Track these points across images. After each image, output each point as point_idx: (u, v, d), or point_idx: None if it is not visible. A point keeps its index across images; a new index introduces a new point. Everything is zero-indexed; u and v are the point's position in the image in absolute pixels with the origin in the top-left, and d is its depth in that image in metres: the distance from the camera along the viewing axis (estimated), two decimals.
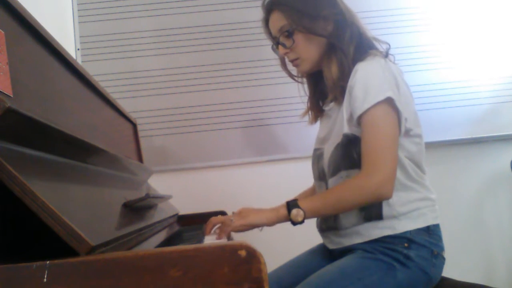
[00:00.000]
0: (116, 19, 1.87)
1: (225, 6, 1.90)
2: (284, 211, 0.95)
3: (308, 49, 1.05)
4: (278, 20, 1.06)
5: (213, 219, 1.08)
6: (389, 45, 1.05)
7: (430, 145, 1.87)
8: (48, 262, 0.46)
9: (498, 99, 1.91)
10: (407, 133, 0.98)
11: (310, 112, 1.20)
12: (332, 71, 1.03)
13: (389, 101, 0.92)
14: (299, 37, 1.04)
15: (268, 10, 1.09)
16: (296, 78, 1.20)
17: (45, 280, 0.46)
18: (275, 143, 1.87)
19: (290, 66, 1.15)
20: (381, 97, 0.91)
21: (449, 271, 1.02)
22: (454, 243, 1.87)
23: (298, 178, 1.76)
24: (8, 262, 0.46)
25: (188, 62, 1.87)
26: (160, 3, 1.89)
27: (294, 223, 0.94)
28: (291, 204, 0.95)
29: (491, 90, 1.91)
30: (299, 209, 0.93)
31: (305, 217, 0.94)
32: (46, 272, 0.46)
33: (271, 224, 0.97)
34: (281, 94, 1.87)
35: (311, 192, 1.29)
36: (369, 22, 1.90)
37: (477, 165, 1.93)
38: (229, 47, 1.89)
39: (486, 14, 1.95)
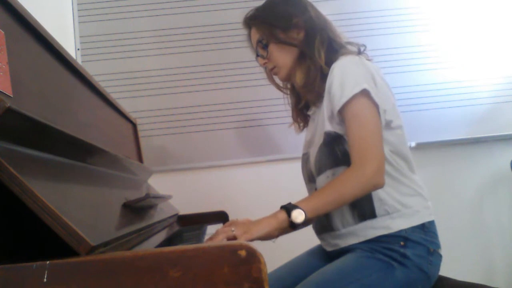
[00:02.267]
0: (116, 19, 1.87)
1: (225, 6, 1.90)
2: (283, 215, 0.89)
3: (282, 57, 1.10)
4: (254, 34, 1.15)
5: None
6: (365, 46, 1.10)
7: (431, 145, 1.87)
8: (48, 262, 0.46)
9: (498, 99, 1.91)
10: (388, 125, 0.99)
11: (295, 123, 1.25)
12: (297, 77, 1.08)
13: (365, 93, 0.94)
14: (273, 47, 1.11)
15: (247, 27, 1.18)
16: (283, 90, 1.26)
17: (45, 280, 0.46)
18: (275, 143, 1.87)
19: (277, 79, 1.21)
20: (357, 89, 0.93)
21: (449, 271, 1.02)
22: (454, 243, 1.87)
23: (298, 178, 1.76)
24: (8, 262, 0.46)
25: (188, 62, 1.87)
26: (160, 3, 1.89)
27: (295, 225, 0.89)
28: (289, 207, 0.90)
29: (491, 90, 1.91)
30: (300, 210, 0.88)
31: (306, 218, 0.88)
32: (46, 272, 0.46)
33: (273, 231, 0.89)
34: (281, 94, 1.86)
35: None
36: (369, 22, 1.91)
37: (477, 165, 1.93)
38: (229, 47, 1.89)
39: (486, 14, 1.95)
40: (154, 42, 1.87)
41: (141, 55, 1.86)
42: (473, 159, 1.93)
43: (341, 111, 0.96)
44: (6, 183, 0.49)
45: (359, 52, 1.07)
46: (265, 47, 1.11)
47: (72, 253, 0.49)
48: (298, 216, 0.88)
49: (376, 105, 0.95)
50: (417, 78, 1.89)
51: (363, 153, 0.92)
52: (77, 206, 0.60)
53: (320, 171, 1.03)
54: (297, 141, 1.85)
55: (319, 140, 1.04)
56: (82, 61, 1.83)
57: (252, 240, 0.87)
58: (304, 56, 1.07)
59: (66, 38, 1.79)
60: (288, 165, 1.87)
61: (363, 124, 0.93)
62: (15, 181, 0.49)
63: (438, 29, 1.93)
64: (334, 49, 1.06)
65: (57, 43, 0.83)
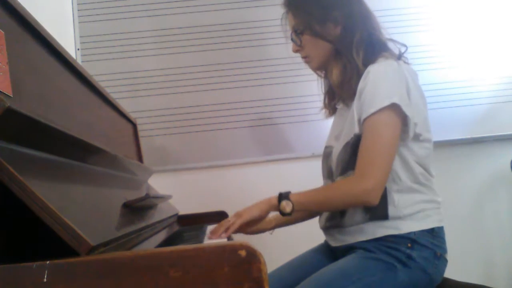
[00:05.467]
0: (116, 19, 1.87)
1: (225, 6, 1.90)
2: (275, 201, 1.00)
3: (315, 50, 1.09)
4: (291, 19, 1.11)
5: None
6: (406, 47, 1.06)
7: None
8: (48, 262, 0.46)
9: (498, 99, 1.91)
10: (417, 138, 0.98)
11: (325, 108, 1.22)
12: (333, 75, 1.06)
13: (394, 107, 0.92)
14: (307, 38, 1.08)
15: (285, 8, 1.13)
16: (317, 72, 1.21)
17: (45, 280, 0.46)
18: (275, 143, 1.87)
19: None
20: (387, 102, 0.92)
21: (449, 271, 1.02)
22: (454, 243, 1.85)
23: (299, 178, 1.76)
24: (8, 262, 0.46)
25: (188, 62, 1.87)
26: (160, 3, 1.89)
27: (283, 214, 0.99)
28: (283, 195, 0.99)
29: (491, 90, 1.91)
30: (288, 201, 0.98)
31: (293, 210, 0.98)
32: (46, 272, 0.46)
33: (264, 214, 1.02)
34: (281, 94, 1.87)
35: None
36: None
37: (477, 165, 1.93)
38: (229, 47, 1.89)
39: (487, 14, 1.95)
40: (154, 42, 1.87)
41: (141, 55, 1.86)
42: (473, 159, 1.92)
43: (364, 120, 0.95)
44: (6, 183, 0.49)
45: (399, 56, 1.03)
46: (300, 35, 1.09)
47: (72, 253, 0.49)
48: (285, 207, 0.98)
49: (404, 118, 0.94)
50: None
51: (365, 169, 0.93)
52: (77, 206, 0.60)
53: (342, 171, 1.03)
54: (299, 141, 1.87)
55: (345, 138, 1.03)
56: (82, 61, 1.83)
57: (243, 222, 1.00)
58: (339, 54, 1.04)
59: (66, 38, 1.79)
60: (289, 165, 1.87)
61: (379, 140, 0.93)
62: (15, 181, 0.49)
63: (439, 29, 1.93)
64: (374, 47, 1.02)
65: (57, 43, 0.83)
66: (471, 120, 1.90)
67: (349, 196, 0.95)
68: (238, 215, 1.02)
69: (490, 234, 1.92)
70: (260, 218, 1.04)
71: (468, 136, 1.89)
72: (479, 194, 1.93)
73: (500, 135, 1.90)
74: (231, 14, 1.89)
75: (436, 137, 1.85)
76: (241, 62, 1.88)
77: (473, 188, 1.93)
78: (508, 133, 1.90)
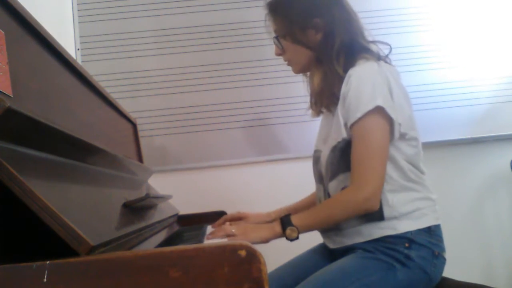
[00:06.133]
0: (116, 19, 1.87)
1: (225, 6, 1.90)
2: (279, 229, 0.97)
3: (296, 56, 1.10)
4: (272, 23, 1.11)
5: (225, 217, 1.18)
6: (390, 47, 1.06)
7: (430, 145, 1.87)
8: (48, 262, 0.46)
9: (498, 99, 1.91)
10: (403, 137, 0.99)
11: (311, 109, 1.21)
12: (314, 83, 1.07)
13: (379, 109, 0.93)
14: (287, 44, 1.09)
15: (266, 11, 1.13)
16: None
17: (45, 280, 0.46)
18: (275, 143, 1.87)
19: None
20: (371, 106, 0.92)
21: (449, 271, 1.02)
22: (454, 243, 1.86)
23: (298, 178, 1.76)
24: (8, 262, 0.46)
25: (188, 62, 1.87)
26: (160, 3, 1.89)
27: (290, 240, 0.96)
28: (285, 222, 0.97)
29: (491, 90, 1.91)
30: (293, 227, 0.95)
31: (299, 233, 0.96)
32: (46, 272, 0.46)
33: (266, 240, 0.98)
34: (281, 94, 1.87)
35: (310, 200, 1.29)
36: (369, 22, 1.89)
37: (477, 165, 1.93)
38: (229, 47, 1.89)
39: (487, 14, 1.95)
40: (154, 42, 1.87)
41: (141, 55, 1.86)
42: (473, 159, 1.92)
43: (352, 126, 0.95)
44: (6, 183, 0.49)
45: (380, 57, 1.03)
46: (281, 40, 1.09)
47: (72, 253, 0.49)
48: (291, 233, 0.95)
49: (390, 120, 0.94)
50: (418, 78, 1.89)
51: (361, 177, 0.93)
52: (77, 206, 0.60)
53: (332, 176, 1.03)
54: (296, 141, 1.87)
55: (332, 142, 1.03)
56: (82, 61, 1.83)
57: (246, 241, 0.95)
58: (320, 61, 1.05)
59: (66, 38, 1.79)
60: (288, 165, 1.87)
61: (369, 146, 0.93)
62: (15, 181, 0.49)
63: (439, 29, 1.93)
64: (354, 52, 1.01)
65: (57, 43, 0.83)
66: (471, 120, 1.90)
67: (351, 208, 0.95)
68: (243, 232, 0.97)
69: (490, 234, 1.92)
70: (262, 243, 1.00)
71: (468, 136, 1.89)
72: (479, 194, 1.93)
73: (500, 135, 1.90)
74: (231, 14, 1.89)
75: (436, 137, 1.89)
76: (241, 62, 1.88)
77: (473, 188, 1.93)
78: (508, 133, 1.90)
